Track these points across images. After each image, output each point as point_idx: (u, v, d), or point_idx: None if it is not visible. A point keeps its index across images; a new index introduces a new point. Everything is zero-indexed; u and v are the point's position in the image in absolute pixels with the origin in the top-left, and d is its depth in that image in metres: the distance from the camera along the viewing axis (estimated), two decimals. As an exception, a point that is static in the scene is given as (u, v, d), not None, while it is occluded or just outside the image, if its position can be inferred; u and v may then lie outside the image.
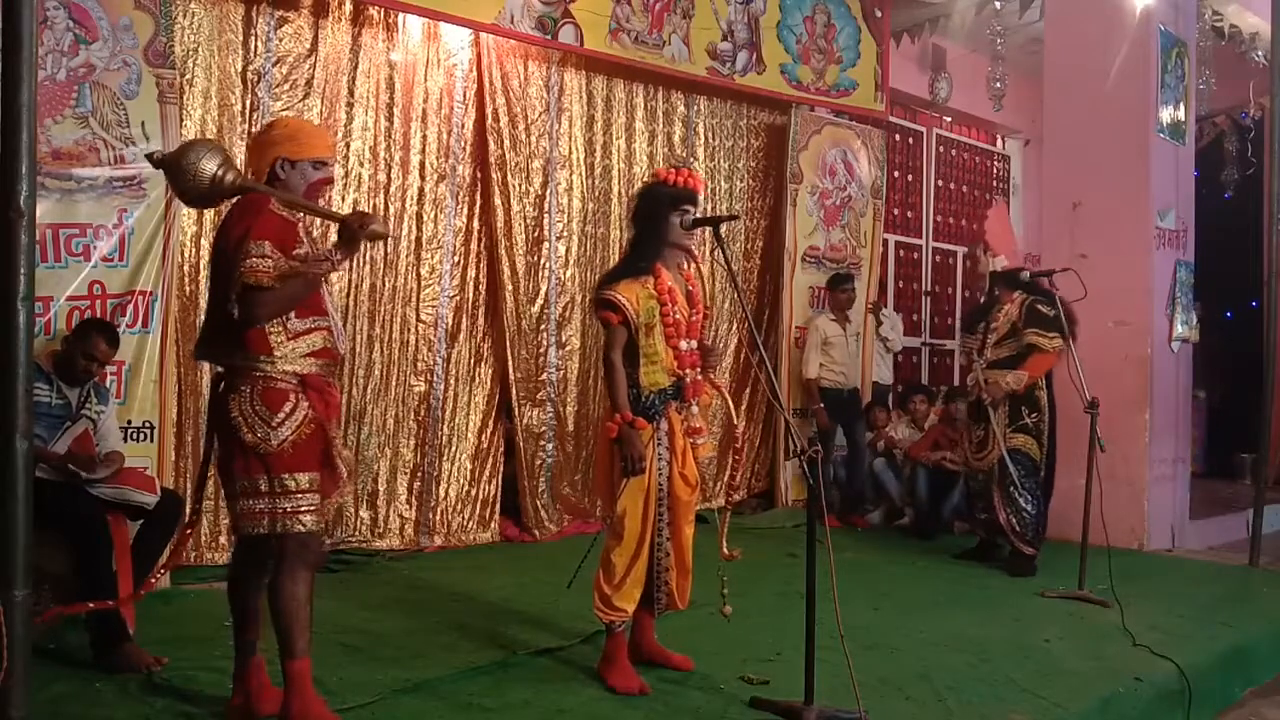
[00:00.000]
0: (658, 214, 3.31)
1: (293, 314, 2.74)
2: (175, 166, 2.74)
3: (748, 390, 7.01)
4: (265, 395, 2.70)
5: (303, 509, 2.73)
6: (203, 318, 4.60)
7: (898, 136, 8.60)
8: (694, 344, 3.35)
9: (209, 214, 4.63)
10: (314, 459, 2.78)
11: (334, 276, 4.84)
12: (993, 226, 5.53)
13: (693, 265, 3.44)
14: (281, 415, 2.70)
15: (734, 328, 6.88)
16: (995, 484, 5.15)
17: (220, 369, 2.82)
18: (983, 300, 5.60)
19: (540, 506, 5.90)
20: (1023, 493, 5.09)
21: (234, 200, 2.80)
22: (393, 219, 5.41)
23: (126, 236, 4.22)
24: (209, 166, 2.71)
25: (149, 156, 2.84)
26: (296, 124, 3.06)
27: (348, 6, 5.22)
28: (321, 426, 2.79)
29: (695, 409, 3.38)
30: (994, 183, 9.72)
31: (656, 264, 3.29)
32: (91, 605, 3.16)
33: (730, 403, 3.58)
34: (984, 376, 5.17)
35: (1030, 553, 5.13)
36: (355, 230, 2.70)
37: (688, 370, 3.30)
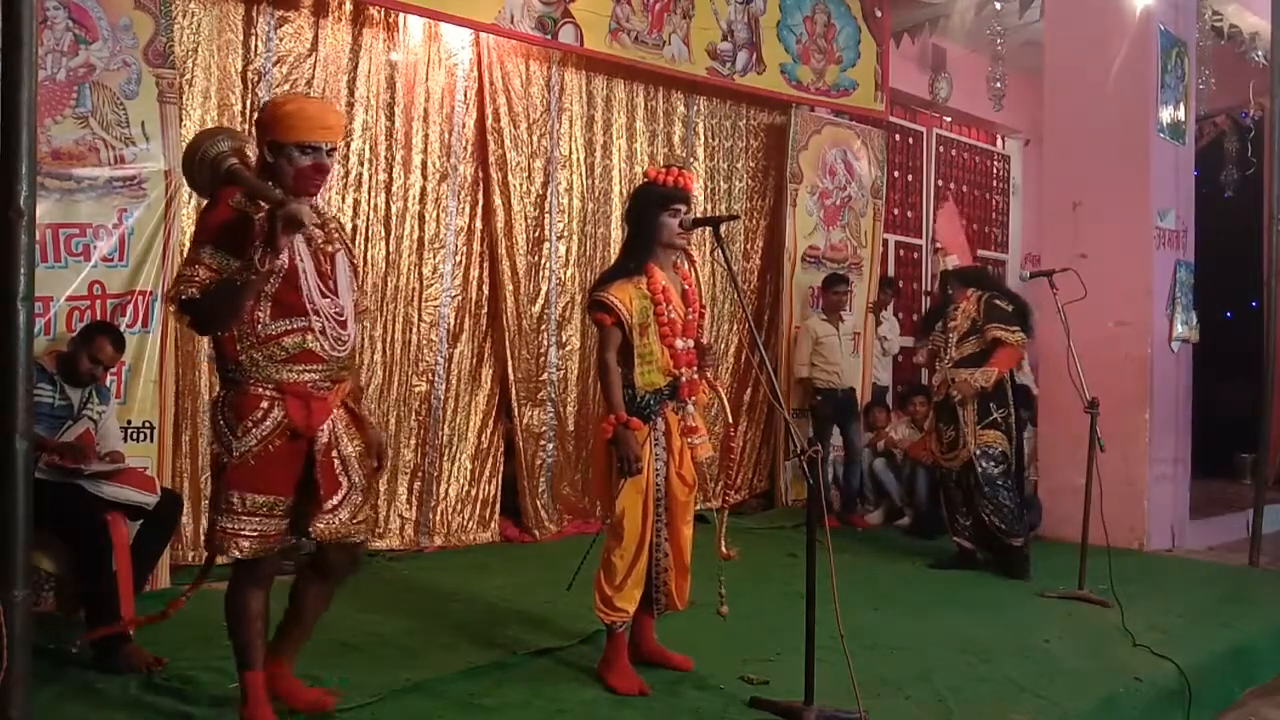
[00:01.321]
0: (648, 214, 3.31)
1: (265, 316, 2.55)
2: (186, 153, 2.73)
3: (748, 390, 7.01)
4: (235, 403, 2.58)
5: (245, 533, 2.56)
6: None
7: (898, 136, 8.60)
8: (690, 343, 3.34)
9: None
10: (279, 479, 2.60)
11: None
12: (942, 226, 5.55)
13: (689, 264, 3.44)
14: (249, 424, 2.55)
15: (734, 328, 6.88)
16: (973, 486, 5.09)
17: None
18: (940, 300, 5.56)
19: (540, 506, 5.90)
20: (999, 489, 5.06)
21: None
22: (394, 219, 5.41)
23: (126, 236, 4.23)
24: (217, 147, 2.68)
25: None
26: (289, 105, 2.65)
27: (348, 6, 5.22)
28: (299, 439, 2.60)
29: (691, 408, 3.38)
30: (994, 183, 9.73)
31: (649, 264, 3.29)
32: (115, 628, 3.19)
33: (725, 402, 3.57)
34: (952, 375, 5.13)
35: (1018, 544, 5.08)
36: (271, 219, 2.41)
37: (684, 369, 3.30)
